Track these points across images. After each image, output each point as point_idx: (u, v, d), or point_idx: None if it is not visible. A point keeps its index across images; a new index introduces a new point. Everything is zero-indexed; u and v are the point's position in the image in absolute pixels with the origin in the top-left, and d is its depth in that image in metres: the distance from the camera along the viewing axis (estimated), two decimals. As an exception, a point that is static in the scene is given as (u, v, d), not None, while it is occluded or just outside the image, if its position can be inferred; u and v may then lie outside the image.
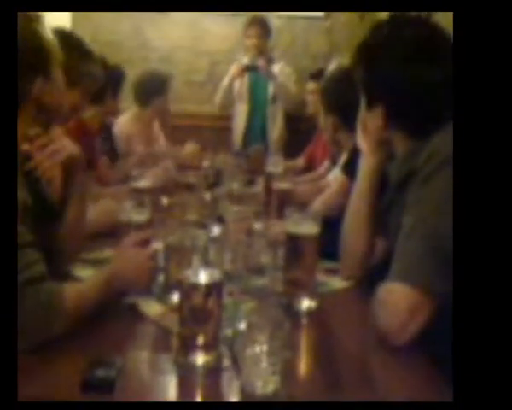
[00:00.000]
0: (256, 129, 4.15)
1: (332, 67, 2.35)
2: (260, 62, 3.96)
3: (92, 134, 2.51)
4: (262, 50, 4.02)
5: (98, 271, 1.35)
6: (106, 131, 2.85)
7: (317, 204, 2.16)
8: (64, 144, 1.45)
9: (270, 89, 4.08)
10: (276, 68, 4.04)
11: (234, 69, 4.05)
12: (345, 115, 2.10)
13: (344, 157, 2.33)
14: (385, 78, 1.33)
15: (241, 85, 4.11)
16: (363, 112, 1.45)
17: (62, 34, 1.90)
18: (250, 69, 4.01)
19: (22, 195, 1.18)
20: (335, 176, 2.43)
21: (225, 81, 4.10)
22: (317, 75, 3.40)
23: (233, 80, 4.07)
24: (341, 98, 2.08)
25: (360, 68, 1.41)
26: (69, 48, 1.85)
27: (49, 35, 1.31)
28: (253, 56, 4.00)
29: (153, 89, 3.32)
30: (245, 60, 4.04)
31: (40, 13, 1.30)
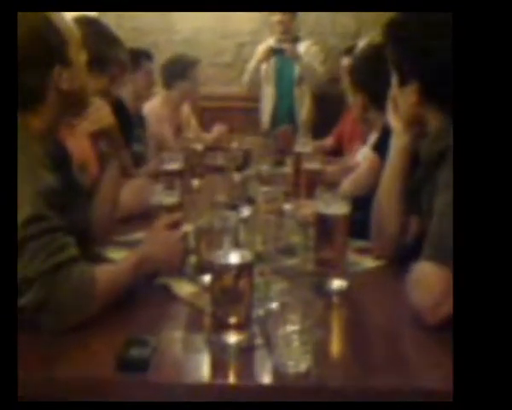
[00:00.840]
0: (283, 111, 4.12)
1: (361, 44, 2.31)
2: (286, 45, 3.92)
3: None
4: (288, 28, 3.97)
5: (129, 253, 1.36)
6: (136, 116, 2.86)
7: (347, 184, 2.14)
8: (108, 113, 1.52)
9: (297, 70, 4.04)
10: (303, 47, 3.99)
11: (260, 52, 4.02)
12: (374, 94, 2.07)
13: (374, 136, 2.30)
14: (418, 54, 1.31)
15: (268, 68, 4.08)
16: (394, 90, 1.43)
17: (88, 21, 1.92)
18: (276, 52, 3.96)
19: (51, 179, 1.19)
20: (365, 155, 2.40)
21: (251, 64, 4.07)
22: (350, 51, 3.36)
23: (259, 63, 4.03)
24: (371, 76, 2.05)
25: (392, 46, 1.38)
26: (96, 35, 1.87)
27: (63, 21, 1.30)
28: (279, 36, 3.96)
29: (176, 72, 3.35)
30: (271, 42, 4.00)
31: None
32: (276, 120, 4.06)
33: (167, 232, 1.39)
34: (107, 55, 1.94)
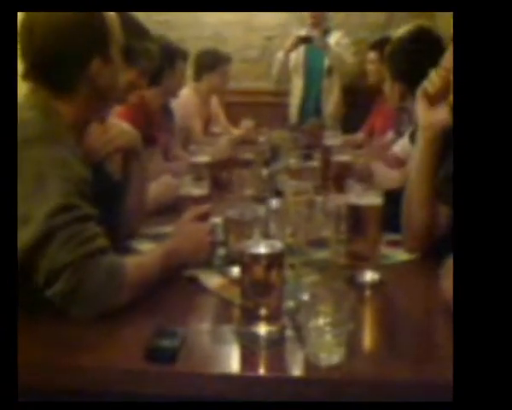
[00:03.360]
0: (311, 102, 4.07)
1: (398, 32, 2.26)
2: (315, 34, 3.88)
3: (153, 112, 2.52)
4: (319, 20, 3.93)
5: (159, 245, 1.35)
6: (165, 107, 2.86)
7: (400, 175, 2.03)
8: (119, 133, 1.47)
9: (326, 61, 3.99)
10: (333, 39, 3.95)
11: (289, 41, 3.98)
12: (413, 81, 2.02)
13: (413, 126, 2.24)
14: None
15: (297, 58, 4.04)
16: (444, 61, 1.37)
17: (118, 13, 1.92)
18: (305, 41, 3.92)
19: (84, 171, 1.20)
20: (403, 146, 2.35)
21: (280, 54, 4.03)
22: (377, 45, 3.32)
23: (288, 52, 3.99)
24: (410, 64, 2.00)
25: None
26: (125, 27, 1.86)
27: (113, 20, 1.30)
28: (309, 27, 3.92)
29: (206, 65, 3.36)
30: (302, 32, 3.96)
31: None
32: (303, 111, 4.02)
33: (195, 225, 1.38)
34: (136, 47, 1.94)
